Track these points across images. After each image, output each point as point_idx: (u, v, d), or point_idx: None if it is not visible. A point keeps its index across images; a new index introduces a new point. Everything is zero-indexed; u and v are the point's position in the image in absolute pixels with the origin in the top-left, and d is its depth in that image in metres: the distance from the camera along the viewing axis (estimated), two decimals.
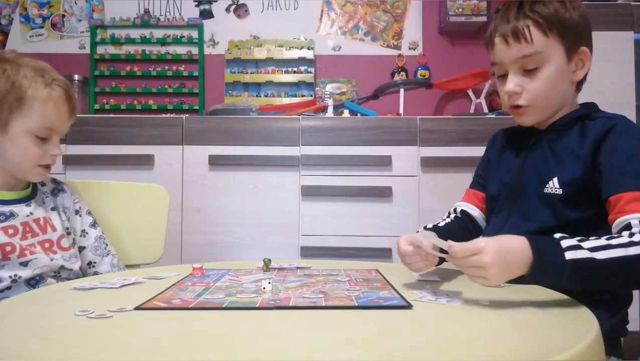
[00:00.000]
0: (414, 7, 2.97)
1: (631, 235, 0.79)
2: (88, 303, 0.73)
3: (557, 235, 0.77)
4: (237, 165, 2.27)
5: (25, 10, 3.02)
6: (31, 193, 1.15)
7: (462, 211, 1.12)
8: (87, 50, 2.98)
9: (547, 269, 0.73)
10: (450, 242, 0.75)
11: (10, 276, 1.03)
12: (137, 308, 0.70)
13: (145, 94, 2.95)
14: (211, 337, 0.58)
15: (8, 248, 1.04)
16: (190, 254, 2.25)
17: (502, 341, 0.57)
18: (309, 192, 2.24)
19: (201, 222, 2.27)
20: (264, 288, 0.80)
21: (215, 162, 2.27)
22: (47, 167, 1.12)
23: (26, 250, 1.06)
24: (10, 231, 1.06)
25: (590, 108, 0.99)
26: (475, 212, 1.12)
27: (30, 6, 3.02)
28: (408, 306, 0.71)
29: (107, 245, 1.24)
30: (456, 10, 2.75)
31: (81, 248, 1.20)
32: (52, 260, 1.09)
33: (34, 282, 1.06)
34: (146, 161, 2.27)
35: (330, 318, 0.67)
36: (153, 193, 1.41)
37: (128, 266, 1.36)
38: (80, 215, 1.22)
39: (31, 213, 1.11)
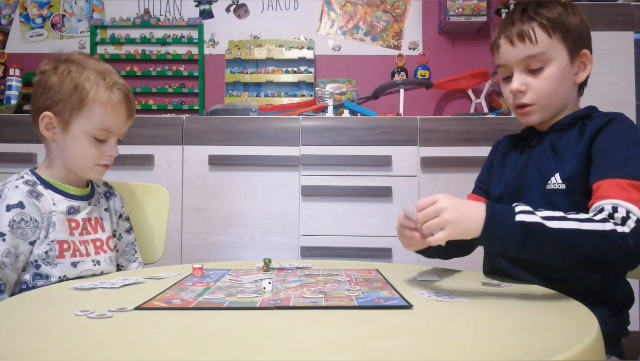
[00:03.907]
0: (414, 7, 2.97)
1: (595, 215, 0.80)
2: (88, 303, 0.73)
3: (515, 203, 0.79)
4: (237, 165, 2.27)
5: (25, 10, 3.02)
6: (90, 192, 1.19)
7: None
8: (87, 50, 2.98)
9: (497, 229, 0.75)
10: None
11: (59, 277, 1.07)
12: (137, 308, 0.70)
13: (145, 94, 2.95)
14: (211, 337, 0.58)
15: (65, 246, 1.09)
16: (191, 254, 2.24)
17: (501, 341, 0.57)
18: (309, 192, 2.24)
19: (201, 222, 2.26)
20: (264, 288, 0.80)
21: (215, 162, 2.27)
22: (106, 165, 1.16)
23: (78, 250, 1.11)
24: (73, 224, 1.12)
25: (590, 110, 1.01)
26: None
27: (30, 6, 3.02)
28: (408, 306, 0.71)
29: (136, 251, 1.29)
30: (456, 10, 2.75)
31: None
32: (95, 264, 1.14)
33: None
34: (146, 161, 2.26)
35: (330, 318, 0.67)
36: (154, 193, 1.41)
37: None
38: (121, 220, 1.27)
39: (89, 212, 1.16)
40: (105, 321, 0.64)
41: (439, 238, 0.75)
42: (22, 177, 1.10)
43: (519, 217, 0.75)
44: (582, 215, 0.79)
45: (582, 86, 1.03)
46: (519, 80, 0.98)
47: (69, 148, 1.10)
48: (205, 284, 0.87)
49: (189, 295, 0.79)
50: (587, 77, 1.02)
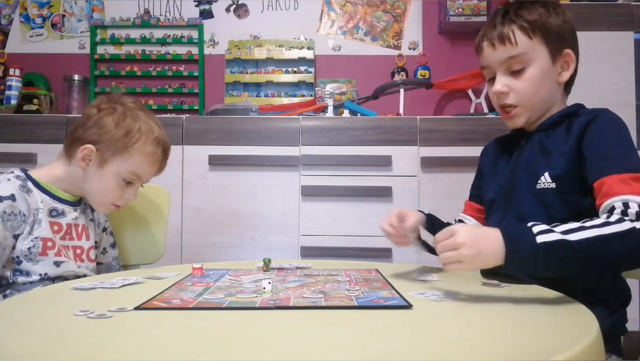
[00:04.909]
0: (414, 7, 2.97)
1: (608, 216, 0.79)
2: (88, 303, 0.73)
3: (529, 223, 0.77)
4: (237, 165, 2.27)
5: (25, 10, 3.02)
6: (78, 200, 1.21)
7: (459, 220, 1.18)
8: (87, 50, 2.98)
9: (520, 255, 0.73)
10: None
11: (40, 274, 1.07)
12: (137, 308, 0.70)
13: (145, 94, 2.95)
14: (211, 337, 0.58)
15: (49, 244, 1.09)
16: (191, 254, 2.24)
17: (501, 341, 0.57)
18: (309, 192, 2.24)
19: (201, 222, 2.26)
20: (264, 288, 0.80)
21: (215, 162, 2.27)
22: (118, 206, 1.20)
23: (61, 251, 1.11)
24: (55, 227, 1.13)
25: (577, 107, 1.01)
26: (471, 221, 1.16)
27: (30, 6, 3.02)
28: (408, 306, 0.71)
29: (120, 266, 1.32)
30: (456, 10, 2.75)
31: (98, 264, 1.26)
32: (79, 267, 1.15)
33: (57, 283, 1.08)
34: None
35: (330, 318, 0.67)
36: (153, 193, 1.41)
37: (128, 266, 1.37)
38: (106, 234, 1.29)
39: (76, 218, 1.18)
40: (105, 321, 0.64)
41: (454, 269, 0.75)
42: (13, 172, 1.12)
43: (539, 238, 0.73)
44: (598, 220, 0.78)
45: (568, 85, 1.04)
46: (501, 82, 0.99)
47: (96, 181, 1.14)
48: (205, 284, 0.87)
49: (188, 295, 0.79)
50: (574, 76, 1.02)
